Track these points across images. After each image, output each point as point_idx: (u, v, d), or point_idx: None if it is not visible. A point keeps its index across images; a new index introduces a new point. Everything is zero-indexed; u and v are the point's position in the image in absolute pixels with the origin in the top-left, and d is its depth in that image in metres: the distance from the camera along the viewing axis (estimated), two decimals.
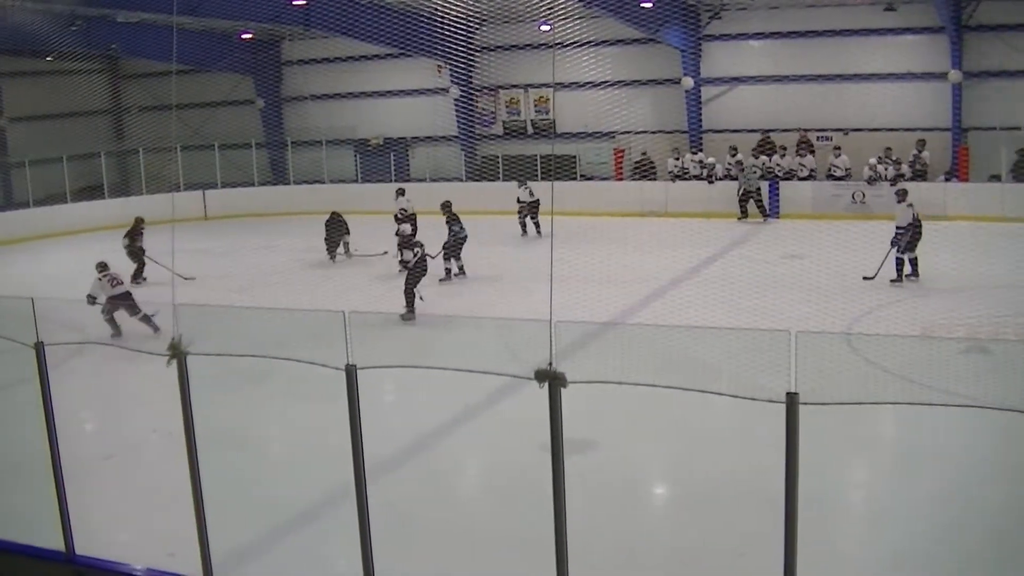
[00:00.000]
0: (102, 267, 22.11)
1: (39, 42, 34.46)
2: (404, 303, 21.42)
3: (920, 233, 23.62)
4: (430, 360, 14.44)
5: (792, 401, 7.38)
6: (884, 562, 10.93)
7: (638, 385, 8.06)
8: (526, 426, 11.29)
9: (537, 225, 32.21)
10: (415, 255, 22.28)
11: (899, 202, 24.43)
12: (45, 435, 10.84)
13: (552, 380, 8.19)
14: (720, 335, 8.35)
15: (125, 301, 21.32)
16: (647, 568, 11.23)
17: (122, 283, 22.11)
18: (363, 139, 43.50)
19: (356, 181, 42.48)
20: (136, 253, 28.92)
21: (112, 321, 20.80)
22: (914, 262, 23.62)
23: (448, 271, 25.93)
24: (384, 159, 42.18)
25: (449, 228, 26.09)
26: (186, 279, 23.76)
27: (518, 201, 32.86)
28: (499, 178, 38.79)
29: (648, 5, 33.02)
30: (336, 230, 29.62)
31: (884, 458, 14.12)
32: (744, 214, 34.13)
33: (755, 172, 34.66)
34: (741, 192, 34.29)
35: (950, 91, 33.03)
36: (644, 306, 21.98)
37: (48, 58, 39.42)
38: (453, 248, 26.05)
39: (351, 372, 8.97)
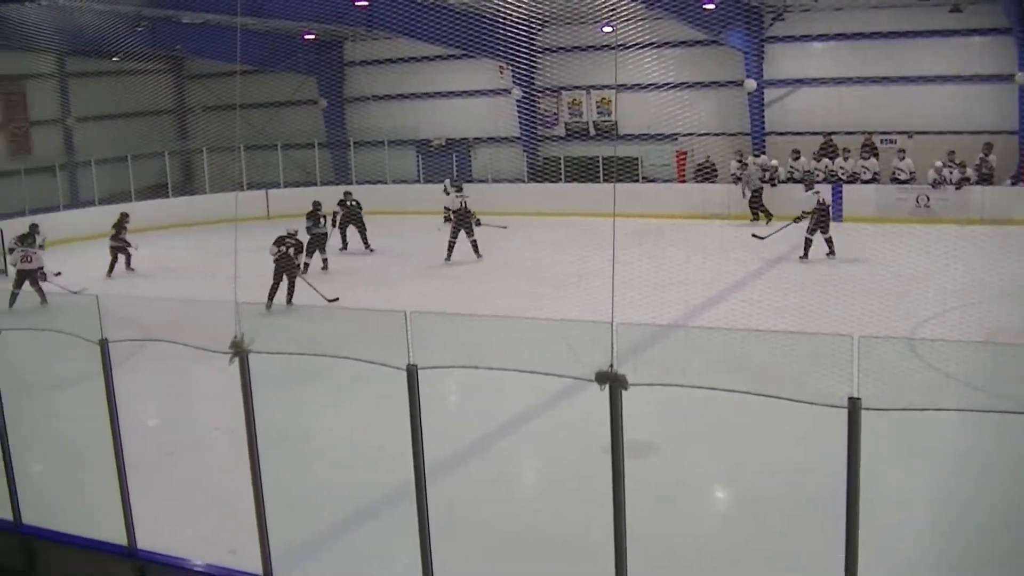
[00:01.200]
0: (20, 240, 26.50)
1: (106, 43, 34.73)
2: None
3: (827, 215, 27.84)
4: (489, 361, 14.45)
5: (854, 406, 7.34)
6: (945, 570, 10.85)
7: (699, 388, 8.04)
8: (586, 428, 11.28)
9: (474, 245, 30.51)
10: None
11: (806, 191, 28.84)
12: (109, 431, 10.94)
13: (613, 382, 8.18)
14: (782, 339, 8.30)
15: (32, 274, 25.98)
16: (706, 572, 11.20)
17: (30, 260, 26.38)
18: (425, 140, 43.58)
19: (418, 181, 42.59)
20: (118, 247, 30.98)
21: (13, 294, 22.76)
22: (829, 241, 27.53)
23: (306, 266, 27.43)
24: (446, 160, 42.25)
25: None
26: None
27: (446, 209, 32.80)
28: (561, 179, 38.78)
29: (711, 7, 32.89)
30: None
31: (946, 465, 13.97)
32: (756, 216, 34.51)
33: (757, 173, 35.18)
34: (749, 195, 34.77)
35: (1016, 93, 32.67)
36: (705, 309, 21.90)
37: (114, 59, 39.71)
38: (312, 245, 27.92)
39: (412, 372, 9.00)
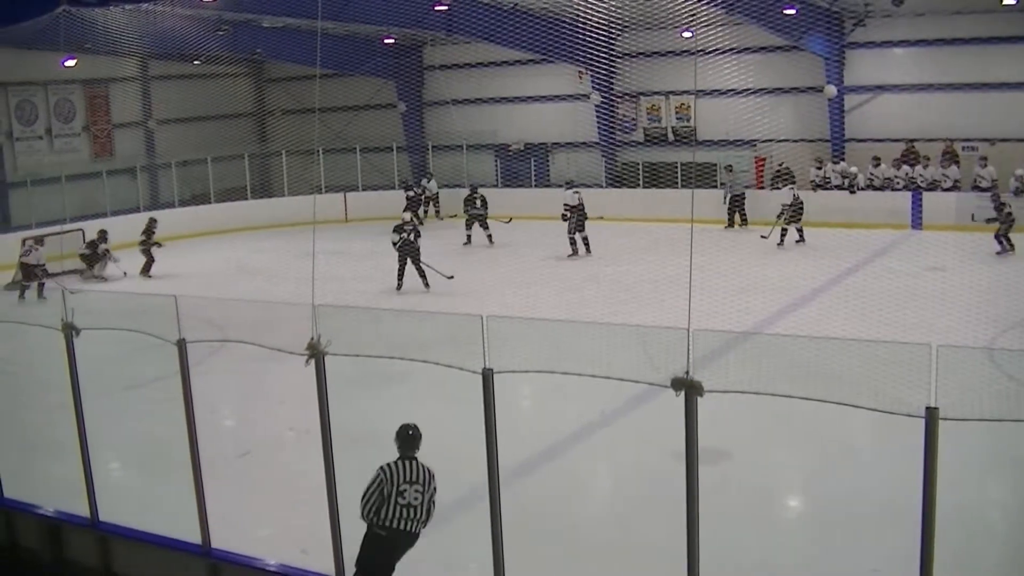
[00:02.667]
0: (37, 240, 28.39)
1: (187, 47, 35.11)
2: None
3: (801, 209, 31.19)
4: (565, 365, 14.44)
5: (932, 416, 7.27)
6: None
7: (774, 395, 8.00)
8: (660, 434, 11.23)
9: (585, 241, 31.58)
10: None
11: (784, 186, 32.57)
12: (185, 430, 11.04)
13: (689, 389, 8.15)
14: (860, 347, 8.24)
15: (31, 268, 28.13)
16: None
17: (28, 254, 28.73)
18: (503, 144, 43.61)
19: (496, 185, 42.62)
20: (147, 251, 31.87)
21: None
22: (800, 231, 31.23)
23: None
24: (524, 164, 42.27)
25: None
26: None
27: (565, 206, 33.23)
28: (639, 185, 38.68)
29: (792, 12, 32.68)
30: None
31: None
32: (731, 223, 35.23)
33: (740, 179, 36.19)
34: (728, 200, 35.52)
35: None
36: (783, 316, 21.77)
37: (195, 62, 40.16)
38: None
39: (487, 376, 9.01)
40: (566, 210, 31.10)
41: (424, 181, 40.41)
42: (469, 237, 33.68)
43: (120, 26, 30.24)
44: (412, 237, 26.31)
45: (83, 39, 30.23)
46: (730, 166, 36.61)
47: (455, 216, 34.67)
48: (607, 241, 30.79)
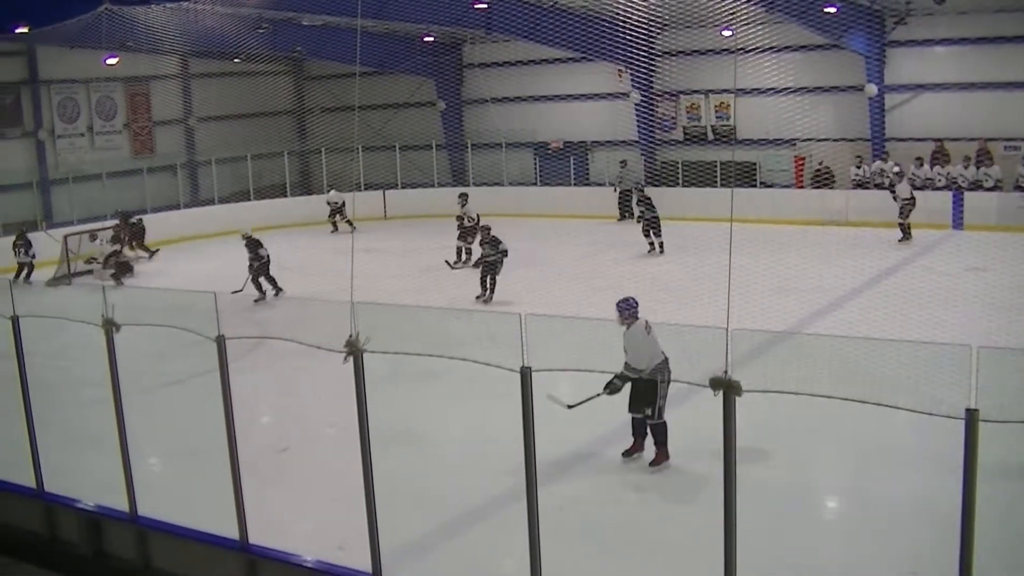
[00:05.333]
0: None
1: (228, 45, 35.25)
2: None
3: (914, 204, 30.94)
4: (603, 364, 14.43)
5: (972, 417, 7.23)
6: None
7: (813, 396, 7.97)
8: (698, 433, 11.21)
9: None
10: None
11: (900, 181, 31.65)
12: (224, 426, 11.09)
13: (727, 388, 8.14)
14: (899, 348, 8.20)
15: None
16: None
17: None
18: (543, 142, 43.56)
19: (535, 184, 42.63)
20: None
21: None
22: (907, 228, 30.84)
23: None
24: (564, 162, 42.24)
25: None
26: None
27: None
28: (679, 184, 38.57)
29: (832, 10, 32.54)
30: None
31: None
32: (623, 216, 37.44)
33: (631, 174, 38.03)
34: (618, 194, 37.70)
35: None
36: (822, 316, 21.68)
37: (236, 60, 40.33)
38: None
39: (526, 374, 9.02)
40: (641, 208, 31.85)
41: (329, 194, 39.19)
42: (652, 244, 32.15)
43: (161, 24, 30.42)
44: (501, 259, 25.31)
45: (124, 37, 30.44)
46: (624, 161, 38.95)
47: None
48: (645, 240, 30.70)
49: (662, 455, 13.89)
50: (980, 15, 33.53)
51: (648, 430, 14.02)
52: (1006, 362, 7.65)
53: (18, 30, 30.22)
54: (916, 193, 32.87)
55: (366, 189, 41.75)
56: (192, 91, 44.53)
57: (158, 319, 12.20)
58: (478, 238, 26.84)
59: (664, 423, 13.81)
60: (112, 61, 36.14)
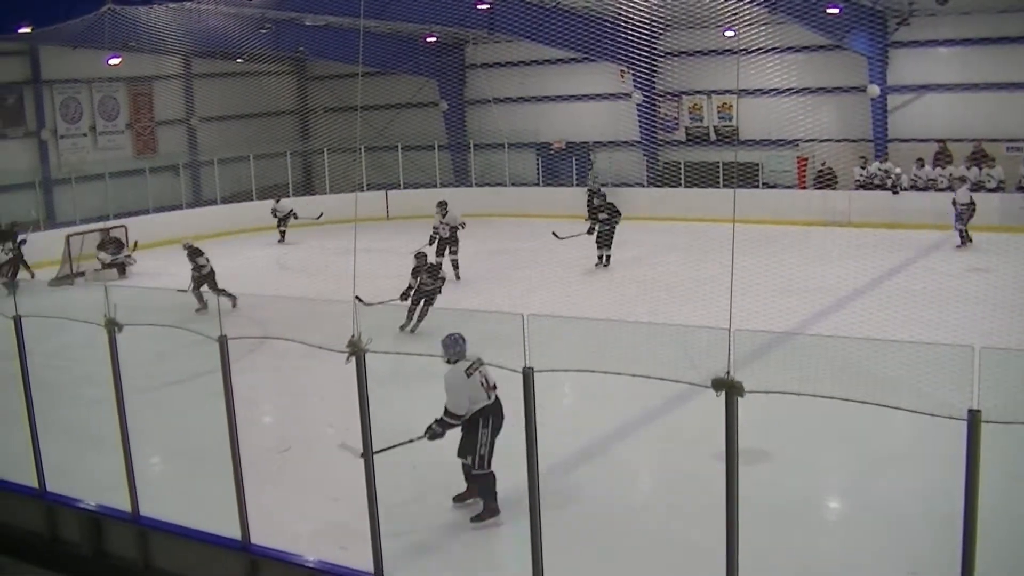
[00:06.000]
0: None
1: (230, 44, 35.32)
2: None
3: (974, 209, 29.96)
4: (607, 364, 14.42)
5: (974, 418, 7.22)
6: None
7: (815, 396, 7.97)
8: (701, 435, 11.20)
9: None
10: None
11: (961, 186, 30.75)
12: (226, 426, 11.09)
13: (729, 389, 8.14)
14: (901, 348, 8.20)
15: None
16: None
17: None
18: (545, 142, 43.61)
19: (538, 184, 42.66)
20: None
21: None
22: (965, 233, 29.94)
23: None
24: (566, 163, 42.25)
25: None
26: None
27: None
28: (681, 184, 38.57)
29: (835, 11, 32.54)
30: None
31: None
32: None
33: (597, 176, 38.74)
34: (587, 197, 36.59)
35: None
36: (824, 317, 21.68)
37: (238, 60, 40.38)
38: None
39: (528, 375, 9.01)
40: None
41: (276, 202, 37.71)
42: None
43: (164, 24, 30.48)
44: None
45: (127, 37, 30.46)
46: (592, 163, 40.31)
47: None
48: (648, 240, 30.71)
49: (485, 512, 12.42)
50: (983, 15, 33.53)
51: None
52: (1009, 363, 7.65)
53: (21, 30, 30.22)
54: (918, 194, 32.95)
55: (369, 189, 41.81)
56: (195, 91, 44.59)
57: (160, 319, 12.21)
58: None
59: (488, 475, 12.38)
60: (115, 61, 36.14)
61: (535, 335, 8.95)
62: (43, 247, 31.01)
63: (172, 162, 41.95)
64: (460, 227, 28.87)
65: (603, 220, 29.25)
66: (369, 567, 10.35)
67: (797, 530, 12.15)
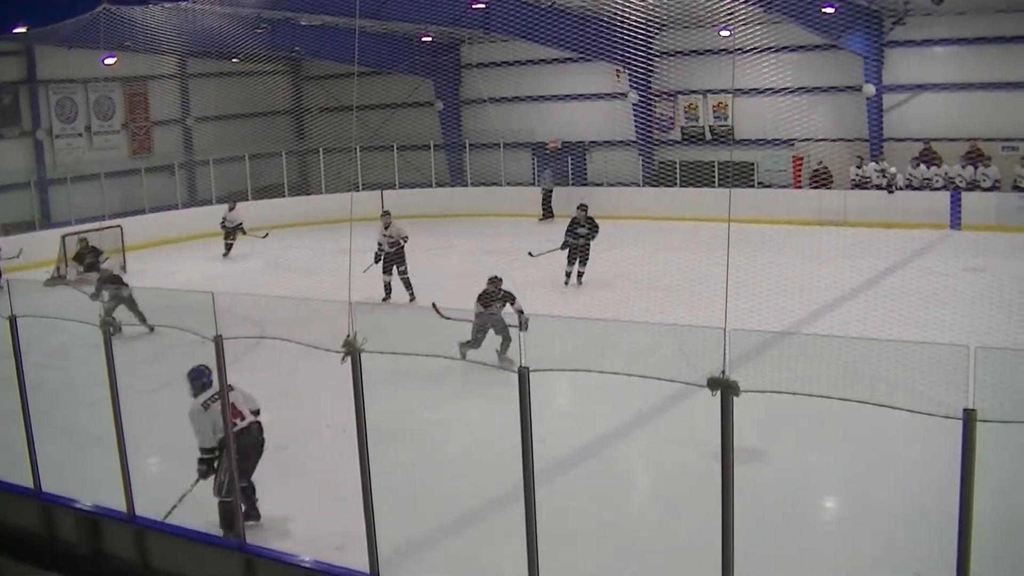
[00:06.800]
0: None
1: (225, 44, 35.32)
2: None
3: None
4: (603, 364, 14.42)
5: (969, 417, 7.23)
6: None
7: (811, 396, 7.97)
8: (696, 434, 11.20)
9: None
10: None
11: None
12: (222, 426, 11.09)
13: (725, 388, 8.14)
14: (897, 348, 8.20)
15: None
16: None
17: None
18: (541, 142, 43.62)
19: (533, 184, 42.65)
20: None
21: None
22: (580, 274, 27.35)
23: None
24: (562, 162, 42.27)
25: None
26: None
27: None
28: (676, 184, 38.61)
29: (830, 11, 32.58)
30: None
31: None
32: (545, 216, 38.72)
33: (549, 176, 39.53)
34: (543, 196, 38.86)
35: None
36: (820, 316, 21.70)
37: (234, 60, 40.38)
38: None
39: (523, 374, 9.01)
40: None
41: (229, 210, 35.69)
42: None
43: (159, 24, 30.43)
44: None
45: (123, 37, 30.43)
46: (546, 165, 40.31)
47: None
48: (644, 240, 30.74)
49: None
50: (979, 15, 33.57)
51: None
52: (1004, 362, 7.65)
53: (16, 30, 30.21)
54: (913, 194, 33.01)
55: (364, 189, 41.81)
56: (190, 91, 44.66)
57: (156, 319, 12.22)
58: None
59: (228, 504, 11.91)
60: (110, 61, 36.17)
61: (531, 335, 8.96)
62: (39, 247, 30.99)
63: (168, 162, 41.91)
64: (403, 241, 26.00)
65: (582, 235, 27.15)
66: (365, 567, 10.35)
67: (794, 529, 12.18)
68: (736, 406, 8.13)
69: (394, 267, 25.84)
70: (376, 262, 25.69)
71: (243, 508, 11.74)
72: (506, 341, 15.58)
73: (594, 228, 27.13)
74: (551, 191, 39.22)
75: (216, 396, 11.80)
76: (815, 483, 13.89)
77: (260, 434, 12.47)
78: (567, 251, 27.28)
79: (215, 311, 10.85)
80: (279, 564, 11.11)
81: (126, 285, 23.84)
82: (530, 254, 28.34)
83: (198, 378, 12.29)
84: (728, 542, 8.33)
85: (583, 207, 27.61)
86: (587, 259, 27.19)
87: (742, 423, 8.22)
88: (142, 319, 18.03)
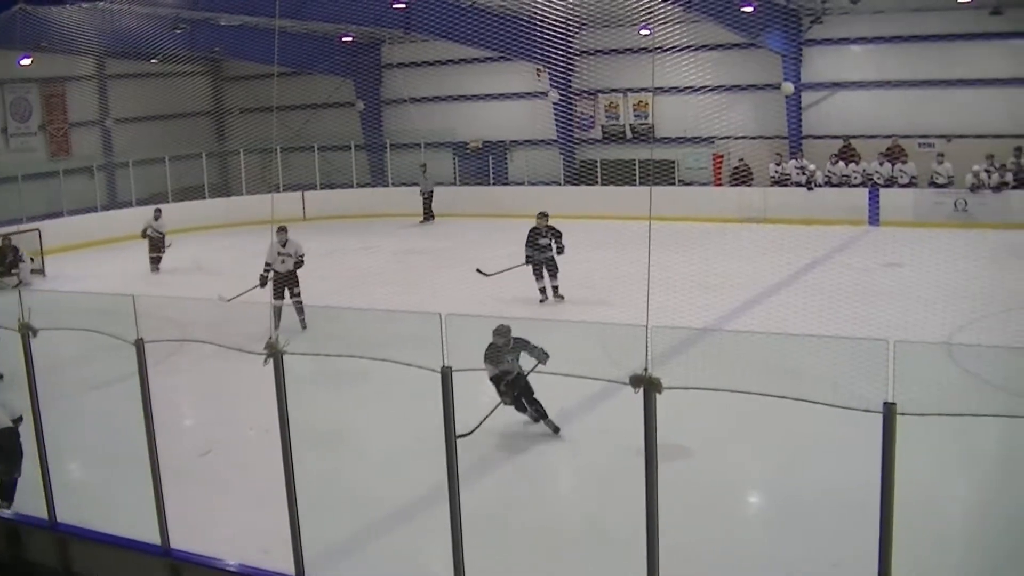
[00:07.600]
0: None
1: (144, 45, 34.95)
2: None
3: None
4: (525, 363, 14.46)
5: (889, 411, 7.31)
6: None
7: (733, 392, 8.03)
8: (620, 431, 11.25)
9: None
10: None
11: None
12: (144, 431, 11.00)
13: (647, 385, 8.17)
14: (818, 343, 8.30)
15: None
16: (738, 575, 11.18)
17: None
18: (462, 142, 43.63)
19: (455, 184, 42.65)
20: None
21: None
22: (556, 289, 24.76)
23: None
24: (483, 162, 42.29)
25: None
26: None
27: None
28: (597, 182, 38.76)
29: (749, 10, 32.79)
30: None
31: (983, 472, 13.87)
32: (426, 218, 39.54)
33: (431, 177, 40.17)
34: (422, 196, 39.62)
35: None
36: (741, 313, 21.85)
37: (153, 61, 39.97)
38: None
39: (447, 374, 9.01)
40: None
41: (155, 219, 33.07)
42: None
43: (77, 24, 30.15)
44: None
45: (39, 37, 30.13)
46: (423, 165, 40.68)
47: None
48: (565, 239, 30.80)
49: None
50: (896, 14, 33.97)
51: None
52: (923, 356, 7.74)
53: None
54: (832, 190, 33.32)
55: (285, 190, 41.65)
56: (109, 92, 44.10)
57: (77, 322, 12.07)
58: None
59: None
60: (26, 62, 35.77)
61: (454, 334, 8.95)
62: None
63: (87, 164, 41.34)
64: (301, 260, 22.38)
65: (543, 245, 24.44)
66: (291, 570, 10.31)
67: (719, 524, 12.25)
68: (659, 403, 8.16)
69: (286, 290, 21.57)
70: (262, 285, 21.49)
71: None
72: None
73: (557, 236, 24.48)
74: (431, 193, 39.89)
75: None
76: (738, 478, 13.98)
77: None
78: (531, 267, 24.68)
79: (136, 314, 10.76)
80: (204, 568, 11.04)
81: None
82: (479, 271, 25.31)
83: None
84: (653, 537, 8.36)
85: (543, 215, 24.94)
86: (556, 270, 24.60)
87: (666, 420, 8.25)
88: None
